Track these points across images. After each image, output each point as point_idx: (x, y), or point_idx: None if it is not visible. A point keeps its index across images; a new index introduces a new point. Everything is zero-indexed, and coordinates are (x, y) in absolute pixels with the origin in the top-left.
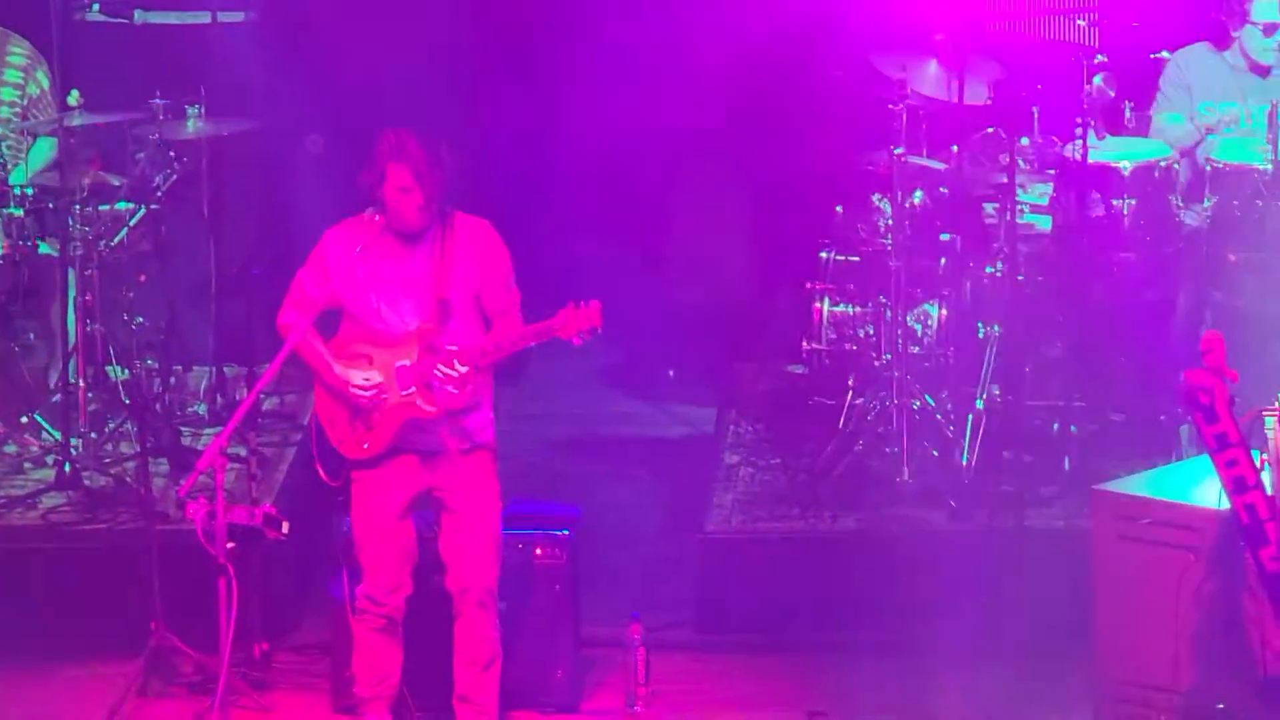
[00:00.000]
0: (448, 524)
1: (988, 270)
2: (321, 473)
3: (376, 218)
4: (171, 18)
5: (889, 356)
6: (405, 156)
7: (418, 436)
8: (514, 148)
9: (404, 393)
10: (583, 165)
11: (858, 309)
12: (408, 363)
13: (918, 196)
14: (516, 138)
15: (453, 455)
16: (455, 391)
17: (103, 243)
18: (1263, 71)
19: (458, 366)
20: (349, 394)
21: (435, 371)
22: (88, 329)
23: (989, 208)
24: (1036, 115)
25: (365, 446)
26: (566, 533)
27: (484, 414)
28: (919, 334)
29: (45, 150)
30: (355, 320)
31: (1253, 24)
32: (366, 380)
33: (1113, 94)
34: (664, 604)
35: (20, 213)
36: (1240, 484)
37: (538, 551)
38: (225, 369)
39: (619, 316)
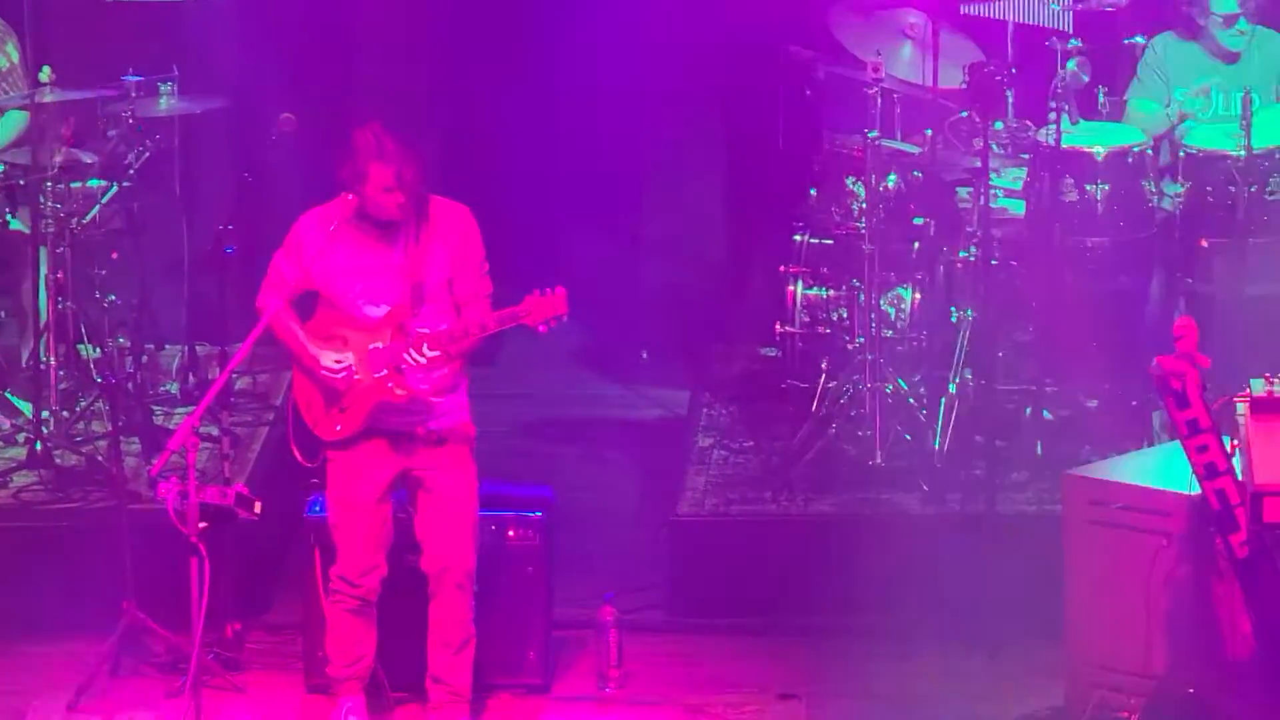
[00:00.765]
0: (425, 505)
1: (961, 254)
2: (297, 454)
3: (352, 201)
4: None
5: (862, 340)
6: (388, 157)
7: (391, 419)
8: (487, 129)
9: (376, 375)
10: (556, 147)
11: (831, 292)
12: (380, 346)
13: (891, 180)
14: (490, 119)
15: (427, 438)
16: (424, 375)
17: (75, 220)
18: (1232, 58)
19: (427, 351)
20: (320, 374)
21: (405, 355)
22: (59, 307)
23: (963, 192)
24: (1010, 99)
25: (338, 428)
26: (539, 514)
27: (459, 397)
28: (892, 318)
29: (15, 125)
30: (330, 304)
31: (1214, 15)
32: (339, 362)
33: (1086, 79)
34: (636, 586)
35: None
36: (1211, 470)
37: (510, 533)
38: (197, 348)
39: (592, 298)
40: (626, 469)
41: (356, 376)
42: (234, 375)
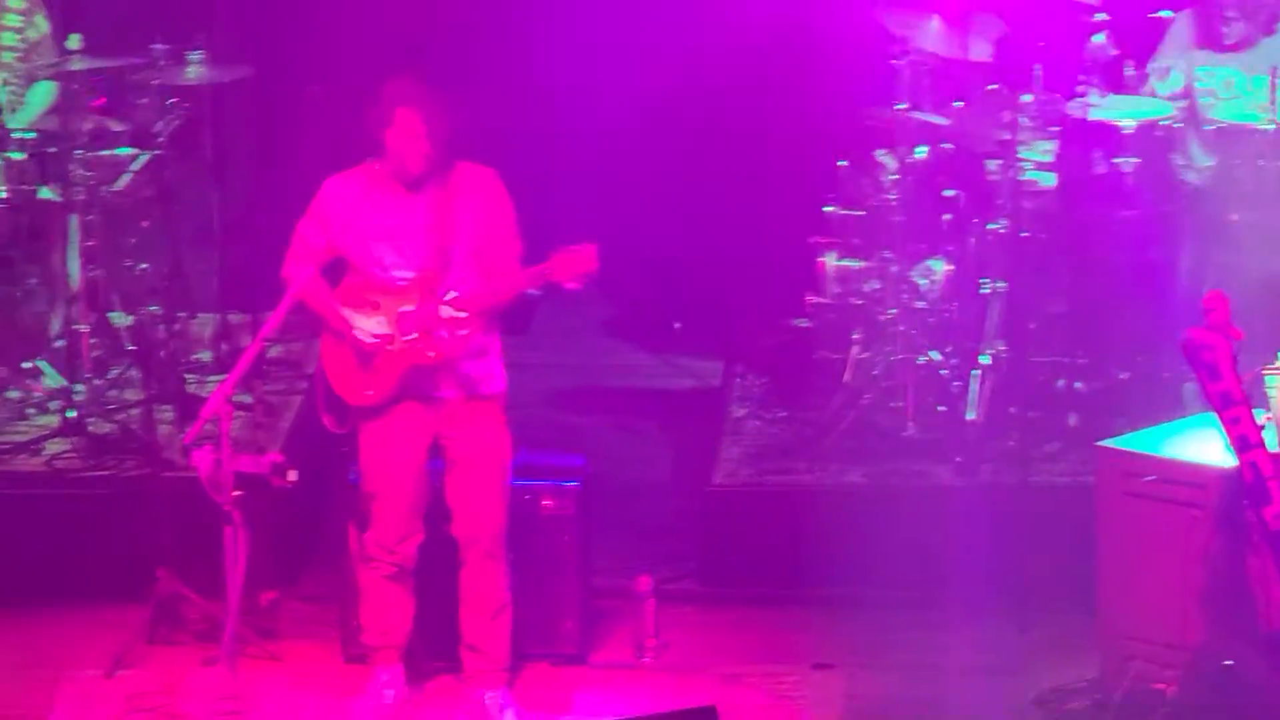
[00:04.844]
0: (455, 473)
1: (991, 226)
2: (327, 421)
3: (376, 167)
4: None
5: (894, 311)
6: (416, 102)
7: (422, 384)
8: (519, 99)
9: (405, 339)
10: (588, 118)
11: (862, 264)
12: (409, 309)
13: (921, 152)
14: (522, 89)
15: (459, 404)
16: (455, 337)
17: (105, 188)
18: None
19: (456, 312)
20: (352, 338)
21: (435, 317)
22: (90, 274)
23: (992, 164)
24: (1039, 72)
25: (370, 393)
26: (575, 484)
27: (491, 362)
28: (924, 289)
29: (46, 94)
30: (358, 270)
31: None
32: (370, 323)
33: (1114, 52)
34: (671, 556)
35: (21, 157)
36: (1244, 442)
37: (546, 502)
38: (230, 316)
39: (625, 269)
40: (660, 439)
41: (387, 342)
42: (266, 343)
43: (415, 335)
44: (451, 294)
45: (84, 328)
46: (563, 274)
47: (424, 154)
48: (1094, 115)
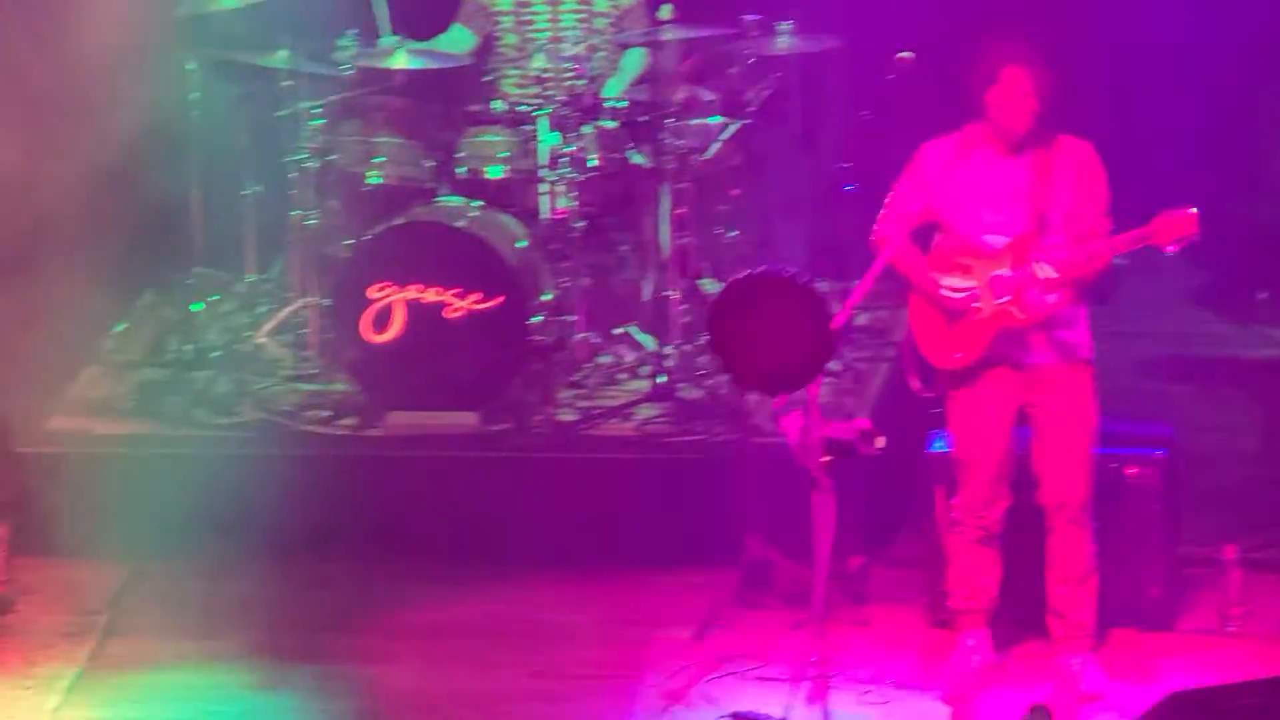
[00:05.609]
0: (1043, 439)
1: None
2: (912, 382)
3: (976, 129)
4: None
5: None
6: (1023, 60)
7: (1012, 349)
8: (1105, 63)
9: (998, 301)
10: (1174, 83)
11: None
12: (1003, 272)
13: None
14: (1108, 53)
15: (1049, 370)
16: (1047, 301)
17: (695, 156)
18: None
19: (1049, 271)
20: (941, 298)
21: (1029, 280)
22: (680, 241)
23: None
24: None
25: (958, 356)
26: (1161, 452)
27: (1081, 330)
28: None
29: (637, 62)
30: (951, 232)
31: None
32: (960, 284)
33: None
34: (1258, 525)
35: (613, 125)
36: None
37: (1130, 471)
38: (819, 284)
39: (1209, 237)
40: (1245, 408)
41: (977, 304)
42: (854, 311)
43: (1007, 299)
44: (1046, 259)
45: (674, 294)
46: (1163, 237)
47: (1030, 112)
48: None
